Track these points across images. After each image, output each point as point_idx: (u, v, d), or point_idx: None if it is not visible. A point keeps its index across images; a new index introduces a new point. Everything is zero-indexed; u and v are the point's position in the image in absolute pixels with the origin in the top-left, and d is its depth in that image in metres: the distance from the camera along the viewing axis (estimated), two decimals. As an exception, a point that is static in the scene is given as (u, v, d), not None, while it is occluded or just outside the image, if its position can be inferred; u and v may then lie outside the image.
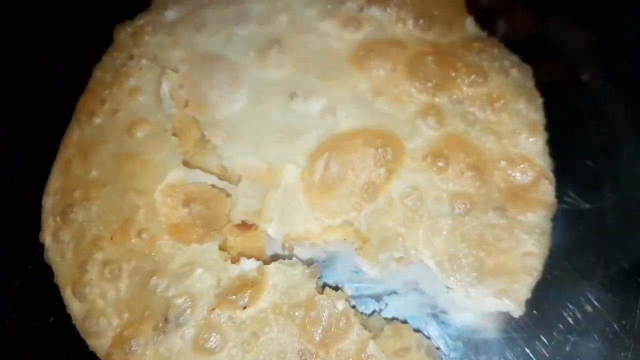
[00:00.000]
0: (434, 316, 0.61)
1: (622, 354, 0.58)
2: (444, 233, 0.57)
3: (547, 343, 0.59)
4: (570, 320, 0.60)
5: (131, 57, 0.68)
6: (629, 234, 0.63)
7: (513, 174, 0.58)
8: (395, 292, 0.62)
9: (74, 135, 0.67)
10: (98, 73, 0.69)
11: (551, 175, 0.58)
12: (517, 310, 0.55)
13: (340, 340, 0.56)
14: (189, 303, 0.57)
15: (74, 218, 0.62)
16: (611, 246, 0.62)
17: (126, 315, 0.58)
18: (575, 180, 0.64)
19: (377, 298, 0.62)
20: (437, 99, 0.61)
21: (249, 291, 0.57)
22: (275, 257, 0.62)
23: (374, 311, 0.61)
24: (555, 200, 0.57)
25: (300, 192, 0.61)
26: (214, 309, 0.57)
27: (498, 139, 0.59)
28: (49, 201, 0.64)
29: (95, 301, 0.59)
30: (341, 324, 0.56)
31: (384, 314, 0.61)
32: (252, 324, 0.56)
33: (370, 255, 0.59)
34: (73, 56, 0.69)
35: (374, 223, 0.59)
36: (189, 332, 0.56)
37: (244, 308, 0.57)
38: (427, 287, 0.61)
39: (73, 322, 0.60)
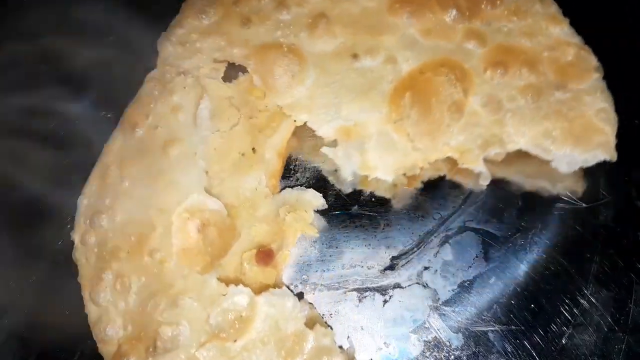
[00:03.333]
0: (436, 309, 0.64)
1: (616, 346, 0.61)
2: (529, 121, 0.66)
3: (544, 335, 0.62)
4: (566, 314, 0.63)
5: (179, 73, 0.69)
6: (622, 231, 0.66)
7: (558, 57, 0.69)
8: (399, 286, 0.66)
9: (117, 143, 0.67)
10: (149, 84, 0.69)
11: (586, 46, 0.69)
12: (613, 155, 0.64)
13: None
14: (178, 331, 0.58)
15: (100, 225, 0.63)
16: (605, 243, 0.66)
17: (130, 329, 0.60)
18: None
19: (382, 291, 0.66)
20: (472, 25, 0.71)
21: (239, 325, 0.58)
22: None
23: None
24: (599, 63, 0.68)
25: (393, 133, 0.67)
26: (203, 344, 0.57)
27: (534, 37, 0.70)
28: (84, 202, 0.65)
29: (108, 308, 0.61)
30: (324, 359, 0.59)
31: (388, 306, 0.65)
32: (240, 353, 0.58)
33: (472, 160, 0.65)
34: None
35: (468, 135, 0.66)
36: None
37: (235, 341, 0.58)
38: (430, 281, 0.66)
39: (89, 322, 0.61)
